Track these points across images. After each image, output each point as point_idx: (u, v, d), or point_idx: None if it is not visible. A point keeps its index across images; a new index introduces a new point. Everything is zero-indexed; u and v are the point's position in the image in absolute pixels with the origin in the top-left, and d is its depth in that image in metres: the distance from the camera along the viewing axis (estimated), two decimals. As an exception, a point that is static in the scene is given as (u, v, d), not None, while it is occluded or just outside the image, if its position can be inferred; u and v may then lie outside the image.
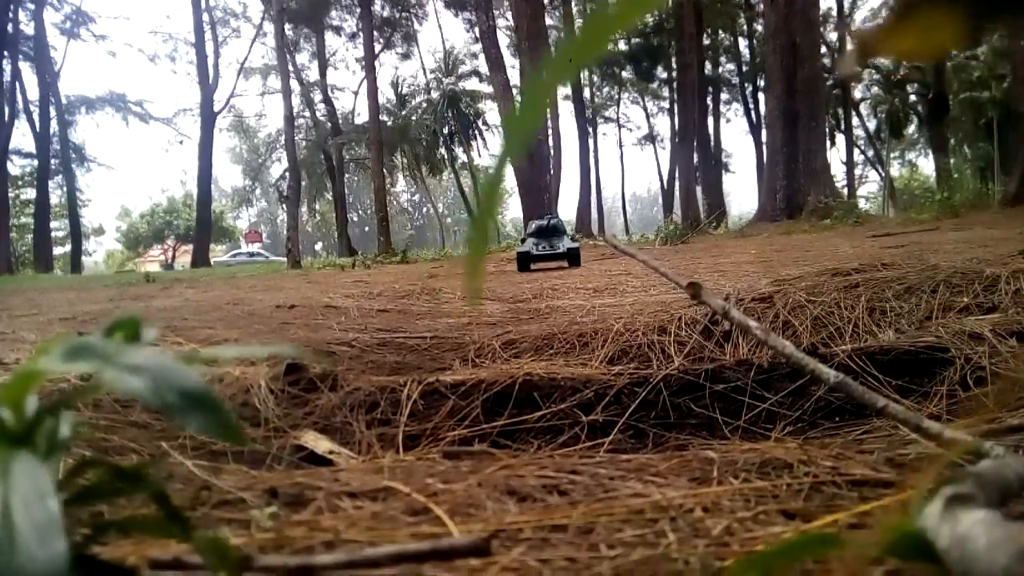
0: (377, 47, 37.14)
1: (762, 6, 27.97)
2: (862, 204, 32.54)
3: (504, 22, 37.37)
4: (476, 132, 43.77)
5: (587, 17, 0.29)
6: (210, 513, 1.06)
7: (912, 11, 0.27)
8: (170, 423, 1.89)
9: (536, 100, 0.30)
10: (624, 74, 44.21)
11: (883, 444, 1.37)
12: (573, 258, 10.20)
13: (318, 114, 43.26)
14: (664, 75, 41.57)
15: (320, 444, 1.84)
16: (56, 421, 0.43)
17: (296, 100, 35.10)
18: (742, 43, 42.28)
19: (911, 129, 40.62)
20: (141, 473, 0.47)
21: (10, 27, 32.14)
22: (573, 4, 38.86)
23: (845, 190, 33.76)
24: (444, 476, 1.18)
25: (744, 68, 42.33)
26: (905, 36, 0.28)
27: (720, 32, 40.77)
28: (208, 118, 37.82)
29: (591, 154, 40.63)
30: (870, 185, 54.07)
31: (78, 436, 0.44)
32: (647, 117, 46.27)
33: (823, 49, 30.47)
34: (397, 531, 0.95)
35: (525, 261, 10.24)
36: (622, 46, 40.77)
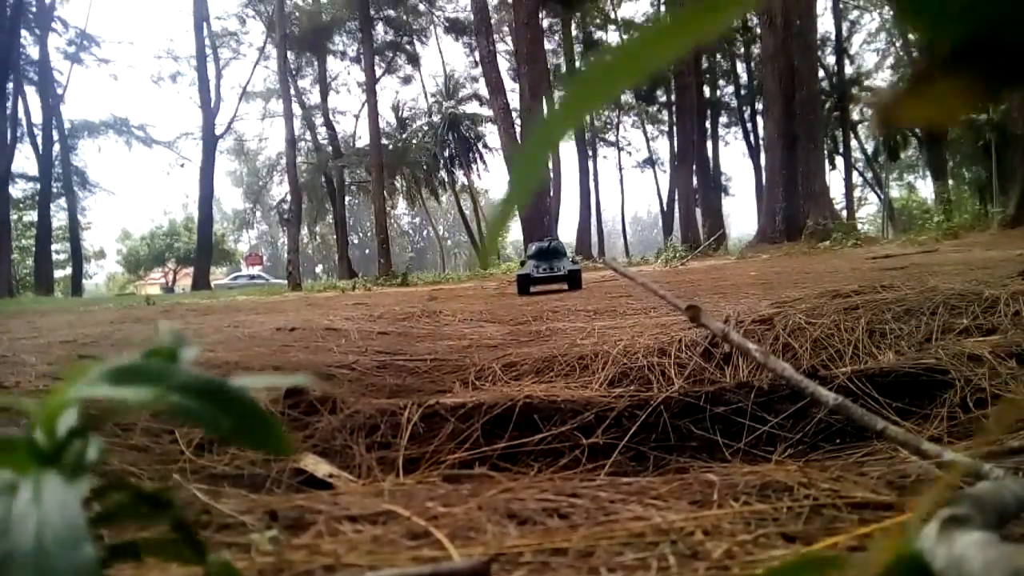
0: (378, 71, 37.45)
1: (760, 29, 28.21)
2: (861, 226, 32.67)
3: (504, 47, 37.73)
4: (476, 155, 44.00)
5: (591, 65, 0.29)
6: (211, 537, 1.06)
7: (925, 81, 0.29)
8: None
9: (540, 147, 0.31)
10: (624, 97, 44.53)
11: (883, 466, 1.37)
12: (574, 280, 10.05)
13: (319, 137, 43.54)
14: (663, 98, 41.83)
15: (320, 467, 1.83)
16: (84, 444, 0.44)
17: (297, 123, 35.32)
18: (740, 66, 42.62)
19: (910, 151, 40.78)
20: (163, 498, 0.47)
21: (15, 51, 32.41)
22: (572, 29, 39.25)
23: (844, 212, 33.87)
24: (444, 499, 1.18)
25: (743, 91, 42.63)
26: (919, 105, 0.29)
27: (718, 55, 41.08)
28: (209, 141, 38.04)
29: (591, 177, 40.82)
30: (869, 207, 54.26)
31: (104, 460, 0.45)
32: (647, 140, 46.49)
33: (821, 72, 30.73)
34: (397, 555, 0.95)
35: (525, 284, 10.07)
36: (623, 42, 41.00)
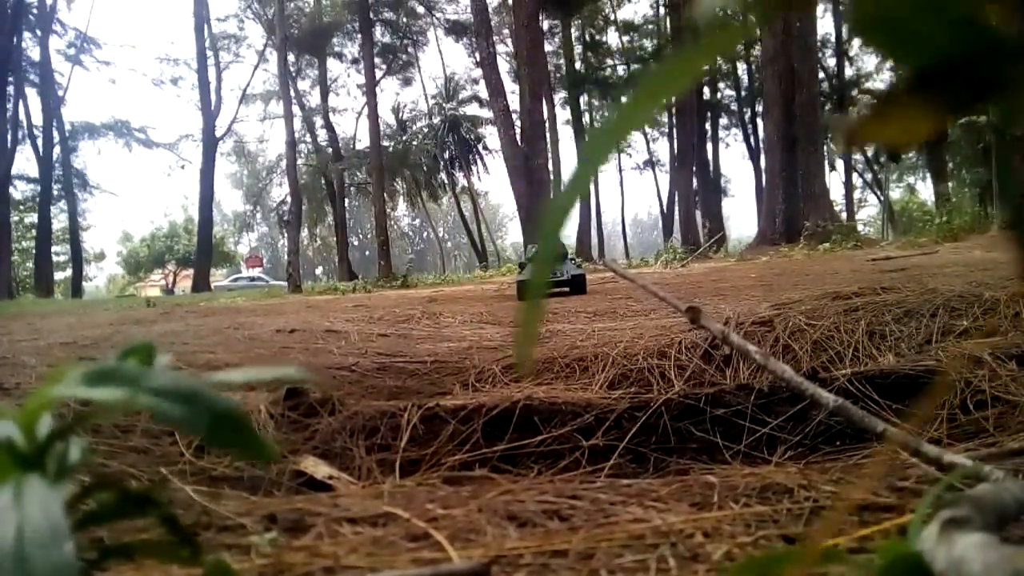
0: (378, 73, 37.46)
1: (760, 32, 28.25)
2: (861, 228, 32.64)
3: (504, 48, 37.73)
4: (476, 157, 44.02)
5: (612, 108, 0.31)
6: (210, 538, 1.06)
7: (891, 104, 0.30)
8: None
9: (573, 188, 0.32)
10: (623, 99, 44.42)
11: (883, 468, 1.37)
12: (578, 285, 9.44)
13: (319, 139, 43.53)
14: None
15: (320, 469, 1.83)
16: (66, 445, 0.44)
17: (297, 125, 35.33)
18: (740, 68, 42.61)
19: (910, 153, 40.82)
20: (151, 497, 0.47)
21: (15, 53, 32.44)
22: (573, 31, 39.28)
23: (844, 214, 33.88)
24: (444, 501, 1.18)
25: (743, 93, 42.63)
26: (886, 126, 0.30)
27: (718, 57, 41.12)
28: (210, 143, 38.05)
29: (591, 178, 40.81)
30: (869, 209, 54.25)
31: (86, 461, 0.45)
32: (646, 142, 46.49)
33: (821, 74, 30.76)
34: (397, 557, 0.95)
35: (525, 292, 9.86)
36: (620, 71, 41.13)
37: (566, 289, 9.37)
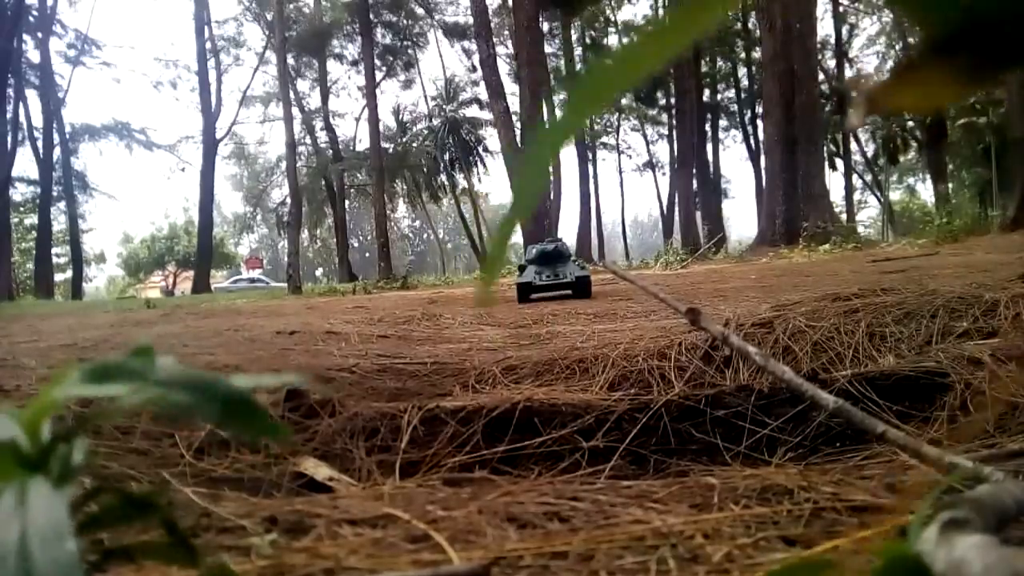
0: (378, 75, 37.51)
1: (760, 33, 28.27)
2: (861, 229, 32.67)
3: (504, 50, 37.77)
4: (477, 158, 44.05)
5: (589, 70, 0.30)
6: (210, 540, 1.06)
7: (913, 68, 0.29)
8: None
9: (541, 158, 0.31)
10: (624, 100, 44.60)
11: (883, 470, 1.37)
12: (582, 288, 8.66)
13: (319, 141, 43.57)
14: (663, 101, 41.90)
15: (320, 471, 1.83)
16: (70, 447, 0.44)
17: (297, 127, 35.36)
18: (740, 70, 42.67)
19: (910, 154, 40.84)
20: (151, 500, 0.47)
21: (16, 54, 32.44)
22: (573, 32, 39.31)
23: (844, 215, 33.89)
24: (444, 503, 1.18)
25: (742, 95, 42.69)
26: (907, 92, 0.29)
27: (718, 59, 41.15)
28: (210, 145, 38.07)
29: (591, 180, 40.88)
30: (869, 210, 54.30)
31: (90, 463, 0.45)
32: (646, 143, 46.58)
33: (820, 76, 30.77)
34: (397, 558, 0.95)
35: (526, 292, 8.74)
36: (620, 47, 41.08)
37: (568, 292, 8.79)
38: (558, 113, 0.31)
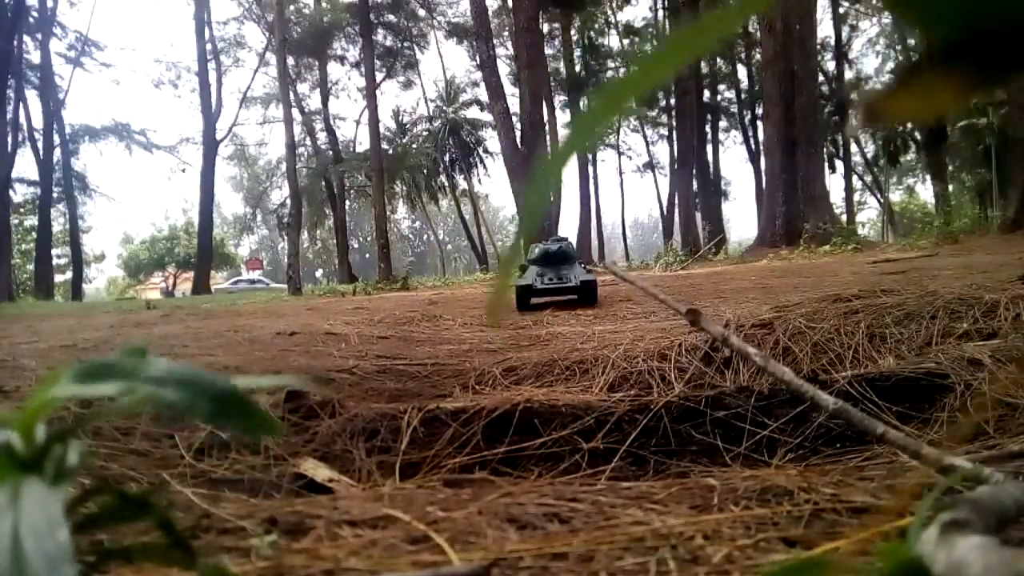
0: (379, 76, 37.50)
1: (760, 34, 28.29)
2: (861, 230, 32.69)
3: (504, 51, 37.78)
4: (477, 160, 44.06)
5: (593, 95, 0.31)
6: (210, 541, 1.06)
7: (914, 76, 0.29)
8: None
9: (548, 177, 0.32)
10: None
11: (883, 471, 1.37)
12: (587, 293, 7.60)
13: (319, 142, 43.57)
14: (663, 102, 41.93)
15: (320, 472, 1.83)
16: (64, 448, 0.44)
17: (298, 128, 35.37)
18: (740, 71, 42.67)
19: (910, 155, 40.84)
20: (148, 501, 0.47)
21: (16, 55, 32.46)
22: (573, 34, 39.33)
23: (844, 216, 33.89)
24: (444, 504, 1.18)
25: (742, 95, 42.67)
26: (908, 100, 0.29)
27: (718, 60, 41.16)
28: (210, 146, 38.06)
29: (591, 181, 40.87)
30: (869, 211, 54.32)
31: (85, 464, 0.45)
32: (647, 144, 46.55)
33: (820, 77, 30.79)
34: (397, 559, 0.95)
35: (526, 297, 7.59)
36: (621, 74, 41.12)
37: (574, 297, 7.86)
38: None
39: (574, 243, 9.33)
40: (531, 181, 0.32)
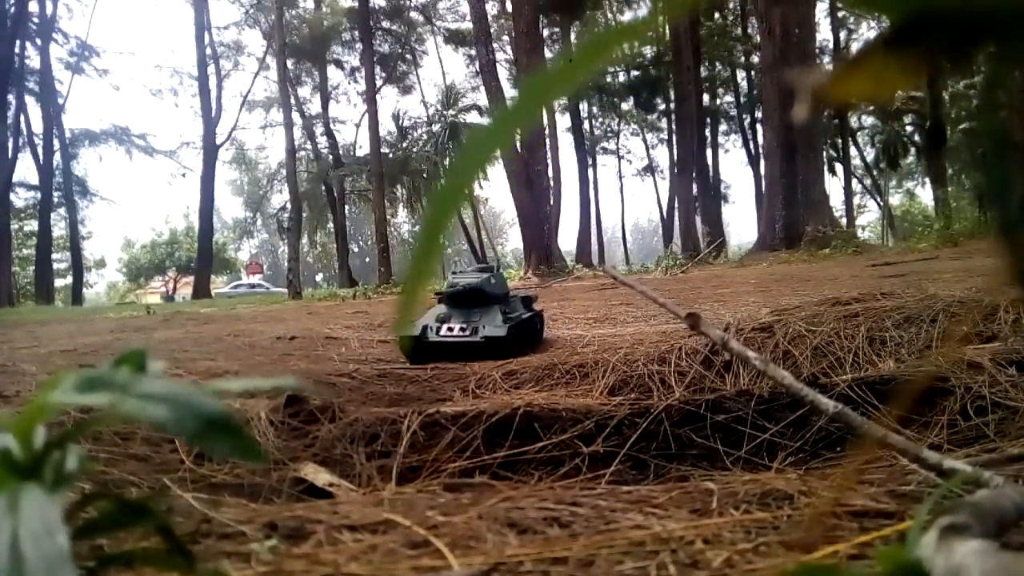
0: (379, 81, 37.55)
1: (759, 38, 28.33)
2: (861, 233, 32.68)
3: (504, 56, 37.84)
4: (476, 163, 44.04)
5: (521, 86, 0.31)
6: (210, 546, 1.06)
7: (863, 59, 0.29)
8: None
9: (457, 177, 0.33)
10: (624, 106, 44.67)
11: (883, 474, 1.37)
12: (500, 349, 4.24)
13: (319, 146, 43.60)
14: (663, 106, 41.97)
15: (320, 476, 1.83)
16: (63, 454, 0.44)
17: (298, 133, 35.39)
18: (740, 75, 42.70)
19: (909, 159, 40.85)
20: (147, 506, 0.48)
21: (16, 61, 32.52)
22: (572, 38, 39.36)
23: (844, 219, 33.87)
24: (444, 508, 1.18)
25: (742, 99, 42.71)
26: (856, 82, 0.30)
27: (718, 64, 41.20)
28: (210, 151, 38.07)
29: (591, 185, 40.90)
30: (869, 214, 54.29)
31: (85, 469, 0.45)
32: (646, 148, 46.59)
33: (820, 80, 30.77)
34: (397, 564, 0.95)
35: (418, 351, 4.31)
36: (622, 78, 41.25)
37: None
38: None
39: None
40: (436, 190, 0.32)
